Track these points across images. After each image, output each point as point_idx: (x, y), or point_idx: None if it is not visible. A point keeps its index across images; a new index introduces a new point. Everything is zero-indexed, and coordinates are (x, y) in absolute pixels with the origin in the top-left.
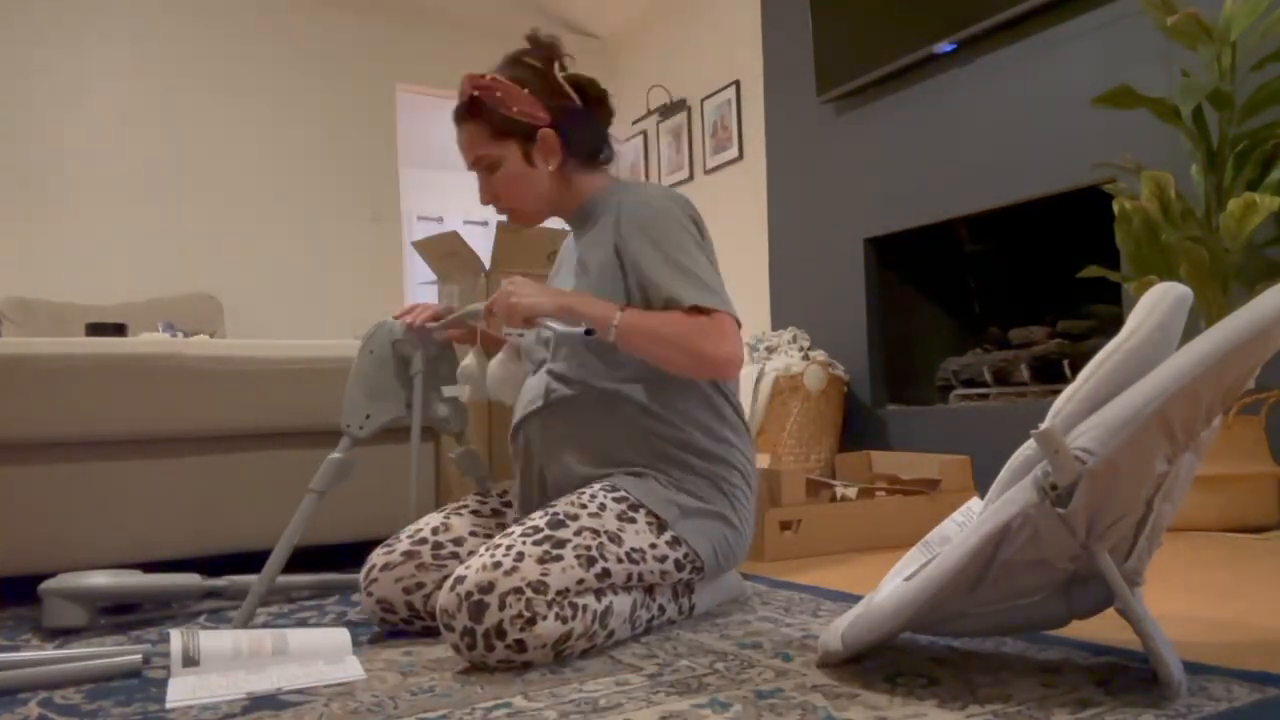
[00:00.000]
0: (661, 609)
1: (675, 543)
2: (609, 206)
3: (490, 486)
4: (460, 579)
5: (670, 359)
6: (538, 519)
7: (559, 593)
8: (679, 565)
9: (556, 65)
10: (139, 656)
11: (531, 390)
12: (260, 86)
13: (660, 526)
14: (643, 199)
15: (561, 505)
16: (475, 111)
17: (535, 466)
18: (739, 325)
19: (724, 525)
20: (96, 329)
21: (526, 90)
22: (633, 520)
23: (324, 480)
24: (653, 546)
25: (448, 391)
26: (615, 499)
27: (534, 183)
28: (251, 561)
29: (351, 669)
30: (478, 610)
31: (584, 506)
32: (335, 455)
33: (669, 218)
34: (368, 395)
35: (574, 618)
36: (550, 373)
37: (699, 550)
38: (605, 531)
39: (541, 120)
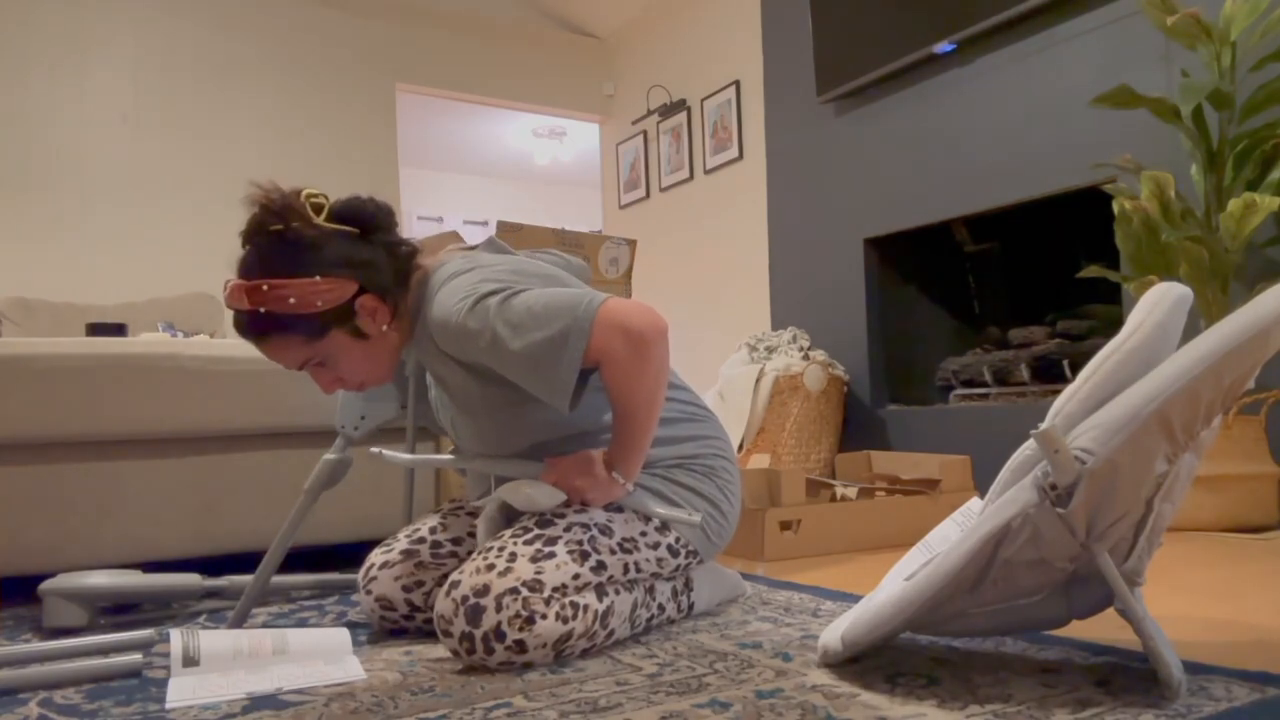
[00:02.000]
0: (661, 608)
1: (664, 529)
2: (421, 320)
3: (490, 487)
4: (455, 584)
5: (657, 398)
6: (526, 520)
7: (555, 589)
8: (673, 550)
9: (308, 215)
10: (139, 656)
11: (485, 481)
12: (260, 86)
13: (646, 515)
14: (440, 317)
15: None
16: (273, 325)
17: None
18: (596, 295)
19: (709, 504)
20: (96, 329)
21: (317, 275)
22: (619, 510)
23: (318, 481)
24: (643, 534)
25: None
26: None
27: (377, 350)
28: (251, 561)
29: (351, 669)
30: (474, 614)
31: (569, 503)
32: (330, 456)
33: (476, 323)
34: (363, 396)
35: (574, 617)
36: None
37: (687, 534)
38: (595, 524)
39: (350, 292)
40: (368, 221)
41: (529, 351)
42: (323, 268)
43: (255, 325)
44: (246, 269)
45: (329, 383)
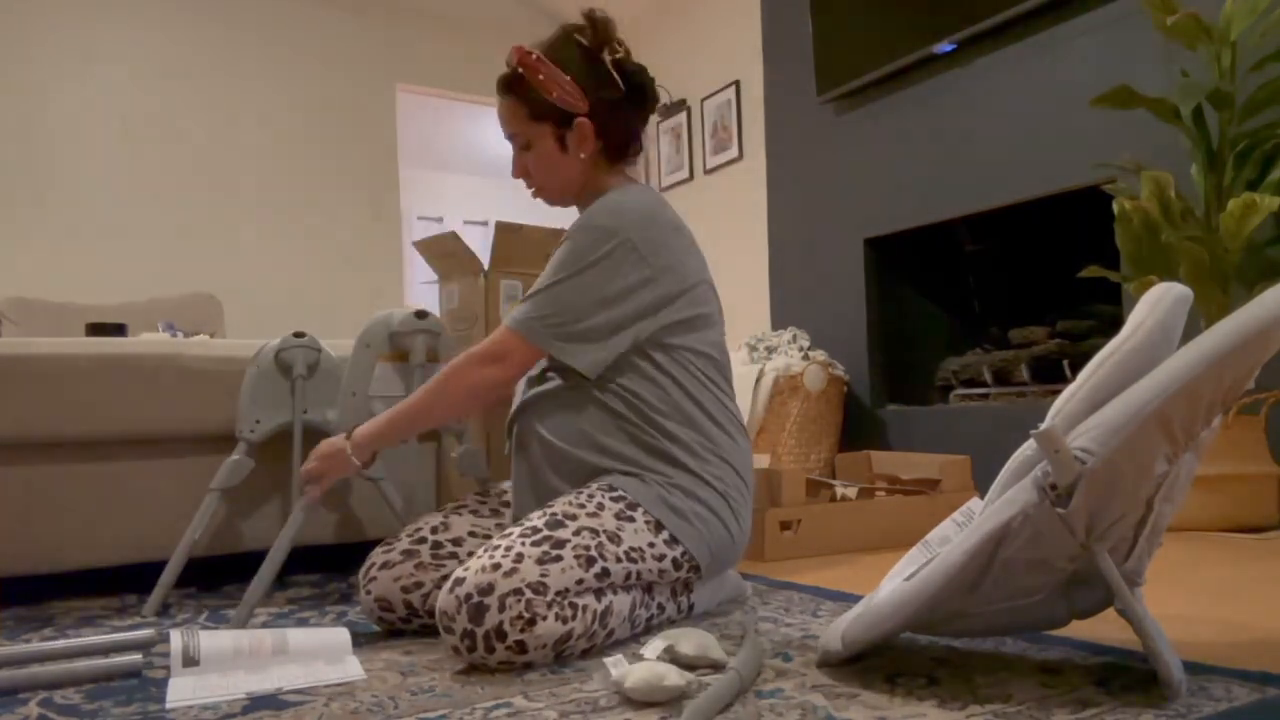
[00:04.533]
0: (661, 608)
1: (673, 541)
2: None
3: (491, 486)
4: (459, 581)
5: (432, 421)
6: (536, 519)
7: (559, 593)
8: (676, 564)
9: (607, 50)
10: (139, 656)
11: (524, 386)
12: (260, 86)
13: (658, 526)
14: (600, 207)
15: (559, 505)
16: (517, 87)
17: (529, 460)
18: (530, 344)
19: (720, 525)
20: (96, 329)
21: (570, 76)
22: (631, 519)
23: (223, 479)
24: (651, 545)
25: (374, 393)
26: (613, 498)
27: (564, 168)
28: (251, 561)
29: (351, 669)
30: (477, 612)
31: (582, 506)
32: (234, 457)
33: (594, 235)
34: (254, 403)
35: (574, 618)
36: (543, 366)
37: (695, 550)
38: (604, 531)
39: (579, 109)
40: (637, 95)
41: (536, 291)
42: (580, 79)
43: (507, 80)
44: (539, 44)
45: (518, 170)
